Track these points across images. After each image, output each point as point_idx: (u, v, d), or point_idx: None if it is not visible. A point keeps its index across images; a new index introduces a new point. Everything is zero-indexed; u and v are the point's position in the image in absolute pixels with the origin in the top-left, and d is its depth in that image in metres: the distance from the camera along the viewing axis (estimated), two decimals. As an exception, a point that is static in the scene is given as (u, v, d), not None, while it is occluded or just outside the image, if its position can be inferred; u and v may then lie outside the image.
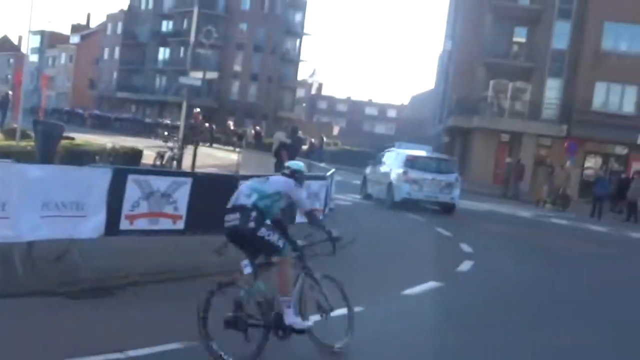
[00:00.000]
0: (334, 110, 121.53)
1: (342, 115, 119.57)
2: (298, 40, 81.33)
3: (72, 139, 20.32)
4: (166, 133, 48.21)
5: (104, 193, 8.77)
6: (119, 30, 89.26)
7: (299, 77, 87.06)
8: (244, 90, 75.99)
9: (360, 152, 47.70)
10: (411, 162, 22.30)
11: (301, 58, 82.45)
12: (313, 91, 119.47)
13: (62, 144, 16.98)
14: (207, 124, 52.52)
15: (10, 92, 35.61)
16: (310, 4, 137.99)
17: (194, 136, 24.45)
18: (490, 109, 42.90)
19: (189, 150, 22.53)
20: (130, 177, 9.16)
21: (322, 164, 24.26)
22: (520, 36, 43.38)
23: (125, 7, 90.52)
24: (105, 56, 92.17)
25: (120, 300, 8.11)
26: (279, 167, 22.13)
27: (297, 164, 6.93)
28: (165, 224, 9.57)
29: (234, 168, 27.74)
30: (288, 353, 6.70)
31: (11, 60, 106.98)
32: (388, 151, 25.25)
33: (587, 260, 16.45)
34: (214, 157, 35.91)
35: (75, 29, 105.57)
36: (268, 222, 6.47)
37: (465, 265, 12.79)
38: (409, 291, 9.76)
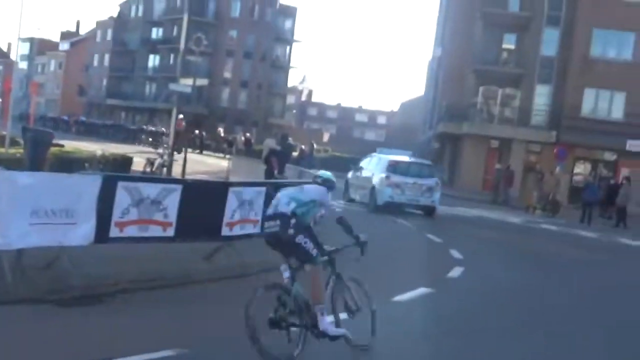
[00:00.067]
0: (324, 116, 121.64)
1: (332, 121, 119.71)
2: (288, 47, 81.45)
3: (62, 146, 20.28)
4: (150, 139, 48.44)
5: (93, 200, 8.73)
6: (109, 37, 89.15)
7: (289, 84, 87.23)
8: (234, 97, 75.98)
9: (351, 158, 47.66)
10: (393, 167, 23.01)
11: (291, 65, 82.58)
12: (303, 98, 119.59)
13: (51, 151, 16.95)
14: (197, 131, 52.63)
15: (-1, 100, 35.48)
16: (300, 11, 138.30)
17: (177, 142, 24.47)
18: (479, 116, 43.05)
19: (180, 156, 22.52)
20: (120, 184, 9.12)
21: (312, 171, 24.24)
22: (509, 43, 43.55)
23: (115, 14, 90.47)
24: (95, 63, 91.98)
25: (110, 308, 8.08)
26: (269, 174, 22.19)
27: (326, 173, 7.41)
28: (155, 231, 9.53)
29: (224, 175, 27.74)
30: (316, 349, 6.87)
31: (0, 68, 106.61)
32: (369, 156, 25.87)
33: (577, 266, 16.50)
34: (204, 164, 35.90)
35: (65, 36, 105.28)
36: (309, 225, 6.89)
37: (456, 272, 12.80)
38: (399, 297, 9.76)
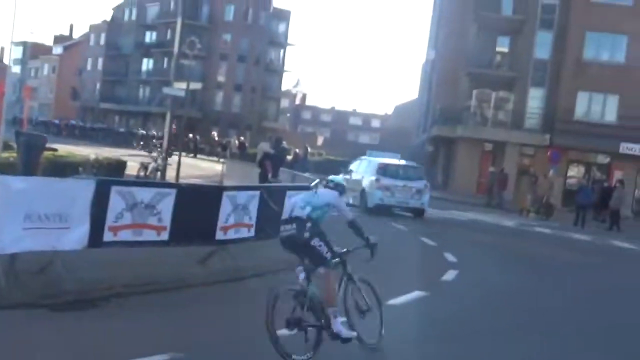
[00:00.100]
0: (318, 120, 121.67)
1: (326, 125, 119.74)
2: (282, 51, 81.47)
3: (55, 150, 20.20)
4: (141, 143, 48.43)
5: (87, 204, 8.71)
6: (102, 41, 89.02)
7: (283, 88, 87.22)
8: (227, 101, 75.94)
9: (345, 162, 47.67)
10: (383, 170, 23.48)
11: (285, 68, 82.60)
12: (297, 101, 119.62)
13: (44, 155, 16.87)
14: (191, 135, 52.59)
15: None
16: (294, 15, 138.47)
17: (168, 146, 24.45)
18: (473, 119, 43.13)
19: (174, 160, 22.48)
20: (114, 189, 9.10)
21: (307, 174, 24.27)
22: (503, 46, 43.65)
23: (108, 18, 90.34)
24: (88, 67, 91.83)
25: (104, 312, 8.06)
26: (263, 178, 22.16)
27: (337, 177, 7.84)
28: (149, 235, 9.51)
29: (218, 179, 27.71)
30: (325, 348, 7.01)
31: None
32: (359, 159, 26.20)
33: (570, 269, 16.53)
34: (198, 168, 35.86)
35: (58, 39, 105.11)
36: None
37: (450, 275, 12.82)
38: (393, 301, 9.74)
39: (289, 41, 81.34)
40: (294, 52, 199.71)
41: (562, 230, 25.94)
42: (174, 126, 28.47)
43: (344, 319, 7.16)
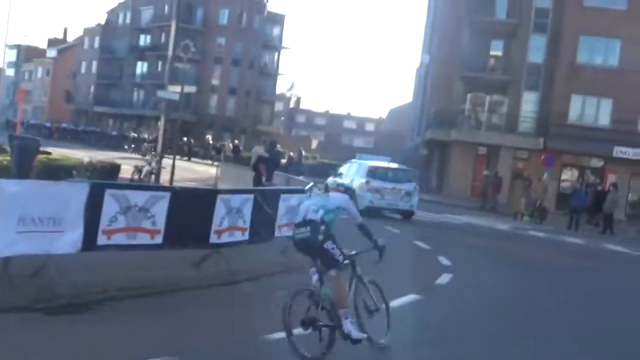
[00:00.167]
0: (312, 123, 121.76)
1: (320, 128, 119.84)
2: (276, 54, 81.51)
3: (49, 153, 20.14)
4: (133, 146, 48.34)
5: (81, 208, 8.69)
6: (96, 44, 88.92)
7: (277, 91, 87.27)
8: (222, 104, 75.92)
9: (339, 165, 47.73)
10: (373, 173, 23.87)
11: (279, 72, 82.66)
12: (291, 105, 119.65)
13: (38, 158, 16.83)
14: (185, 138, 52.55)
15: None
16: (289, 18, 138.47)
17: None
18: (467, 122, 43.20)
19: (168, 163, 22.45)
20: (108, 192, 9.08)
21: (301, 178, 24.31)
22: (497, 50, 43.76)
23: (103, 21, 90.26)
24: (83, 70, 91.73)
25: (98, 316, 8.03)
26: (257, 181, 22.16)
27: (347, 182, 7.76)
28: (143, 238, 9.49)
29: (213, 182, 27.68)
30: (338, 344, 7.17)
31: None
32: (349, 162, 26.63)
33: (564, 272, 16.57)
34: (193, 171, 35.83)
35: (52, 43, 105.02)
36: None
37: (444, 278, 12.82)
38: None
39: (283, 45, 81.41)
40: (288, 55, 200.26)
41: (556, 233, 25.99)
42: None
43: (354, 319, 7.33)
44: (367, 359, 7.48)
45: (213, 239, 10.59)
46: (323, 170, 45.40)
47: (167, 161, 22.86)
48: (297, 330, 6.88)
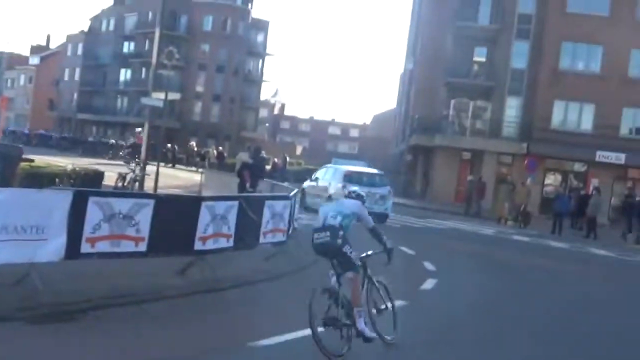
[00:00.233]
0: (297, 130, 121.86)
1: (305, 135, 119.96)
2: (260, 61, 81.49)
3: (32, 161, 20.03)
4: (111, 152, 48.17)
5: (64, 216, 8.65)
6: (80, 51, 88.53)
7: (262, 98, 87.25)
8: (206, 111, 75.78)
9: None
10: (349, 177, 24.45)
11: (263, 78, 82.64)
12: (276, 111, 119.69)
13: (21, 166, 16.75)
14: (169, 145, 52.40)
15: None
16: (273, 25, 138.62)
17: (135, 155, 24.40)
18: (451, 128, 43.34)
19: (152, 170, 22.36)
20: (92, 199, 9.05)
21: (286, 184, 24.32)
22: (480, 56, 43.91)
23: (86, 28, 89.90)
24: (66, 77, 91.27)
25: (81, 325, 7.97)
26: (242, 188, 22.13)
27: (357, 189, 8.62)
28: (127, 246, 9.46)
29: (197, 189, 27.61)
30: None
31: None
32: (325, 167, 27.37)
33: (548, 276, 16.65)
34: (177, 178, 35.70)
35: (35, 50, 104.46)
36: None
37: (429, 284, 12.86)
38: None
39: (267, 51, 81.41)
40: (272, 62, 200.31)
41: (540, 238, 26.12)
42: (142, 136, 28.32)
43: (367, 319, 7.76)
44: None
45: (198, 245, 10.56)
46: (308, 176, 45.49)
47: (151, 168, 22.77)
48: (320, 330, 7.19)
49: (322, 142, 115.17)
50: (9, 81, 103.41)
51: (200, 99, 75.46)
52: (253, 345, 7.55)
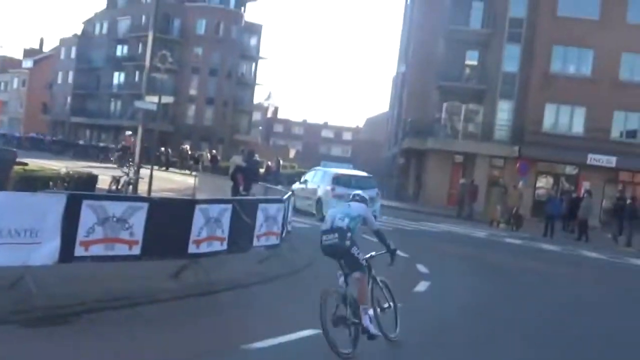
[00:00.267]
0: (290, 133, 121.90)
1: (298, 138, 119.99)
2: (253, 64, 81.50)
3: (25, 164, 20.05)
4: (101, 156, 48.12)
5: (58, 219, 8.68)
6: (73, 54, 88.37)
7: (255, 101, 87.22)
8: (199, 114, 75.73)
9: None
10: (337, 180, 24.87)
11: (257, 82, 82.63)
12: (269, 114, 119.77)
13: (15, 170, 16.77)
14: (162, 148, 52.36)
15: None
16: (266, 28, 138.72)
17: (125, 158, 24.41)
18: (444, 131, 43.46)
19: (146, 173, 22.38)
20: (85, 203, 9.08)
21: (279, 187, 24.36)
22: (472, 59, 44.07)
23: (79, 32, 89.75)
24: (59, 81, 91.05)
25: (75, 328, 8.00)
26: (235, 191, 22.16)
27: (361, 192, 8.65)
28: (121, 249, 9.50)
29: (191, 192, 27.63)
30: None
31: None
32: (313, 170, 27.74)
33: (540, 279, 16.72)
34: (171, 181, 35.71)
35: (28, 53, 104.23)
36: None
37: (422, 286, 12.92)
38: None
39: (260, 55, 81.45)
40: (265, 65, 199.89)
41: (532, 240, 26.22)
42: (132, 139, 28.34)
43: (372, 317, 7.99)
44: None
45: (191, 249, 10.60)
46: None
47: (144, 171, 22.78)
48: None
49: (315, 145, 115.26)
50: (3, 84, 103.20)
51: (194, 102, 75.43)
52: (247, 348, 7.59)
